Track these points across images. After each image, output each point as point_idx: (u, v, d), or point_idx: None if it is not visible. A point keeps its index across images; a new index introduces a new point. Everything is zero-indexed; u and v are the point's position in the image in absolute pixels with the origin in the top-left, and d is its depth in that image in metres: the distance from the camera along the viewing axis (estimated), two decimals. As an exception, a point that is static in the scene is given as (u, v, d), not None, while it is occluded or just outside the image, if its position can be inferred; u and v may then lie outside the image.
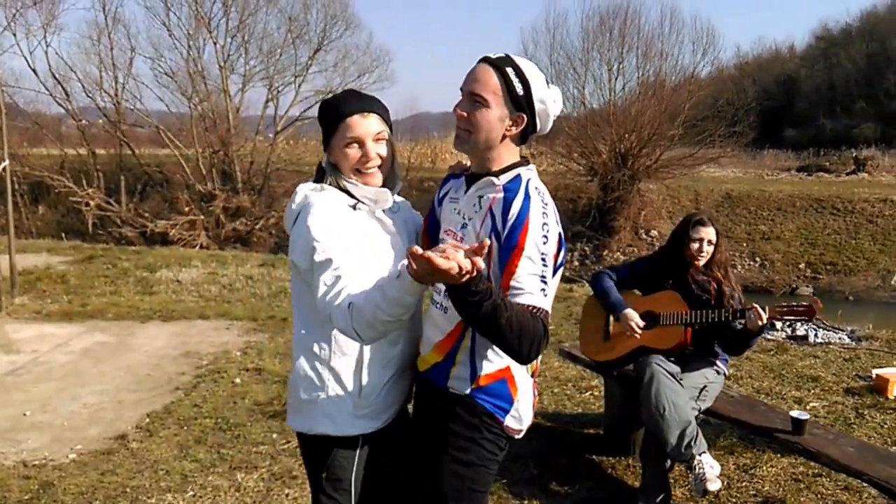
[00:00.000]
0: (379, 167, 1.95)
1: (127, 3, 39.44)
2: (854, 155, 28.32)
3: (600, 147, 21.24)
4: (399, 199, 2.10)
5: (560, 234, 1.78)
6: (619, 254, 19.46)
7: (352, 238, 1.84)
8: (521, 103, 1.77)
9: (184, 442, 4.21)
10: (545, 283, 1.71)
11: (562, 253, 1.80)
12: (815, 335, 6.46)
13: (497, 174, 1.82)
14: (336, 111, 1.93)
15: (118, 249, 12.15)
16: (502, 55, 1.79)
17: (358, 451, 1.95)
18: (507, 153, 1.84)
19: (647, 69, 22.10)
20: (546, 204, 1.77)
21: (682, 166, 21.20)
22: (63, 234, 18.29)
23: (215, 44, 23.35)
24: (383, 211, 1.97)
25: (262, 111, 24.47)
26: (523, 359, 1.70)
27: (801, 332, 6.46)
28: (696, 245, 3.42)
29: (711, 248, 3.45)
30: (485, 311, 1.58)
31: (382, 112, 1.96)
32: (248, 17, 23.85)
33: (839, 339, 6.42)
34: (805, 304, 3.31)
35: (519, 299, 1.66)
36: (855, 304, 15.68)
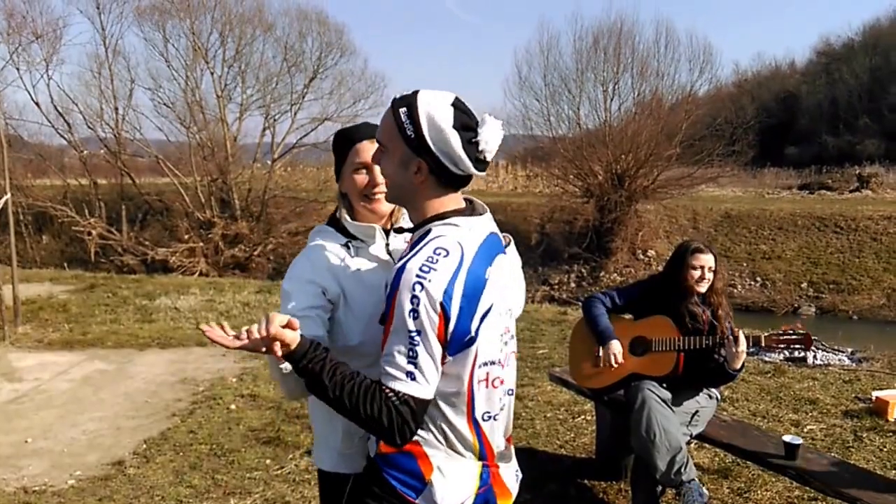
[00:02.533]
0: (386, 195, 1.84)
1: (127, 35, 40.20)
2: (857, 172, 28.17)
3: (596, 168, 21.24)
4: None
5: (445, 305, 1.48)
6: (615, 275, 19.42)
7: (329, 285, 1.80)
8: (415, 146, 1.57)
9: (179, 468, 4.25)
10: (414, 363, 1.49)
11: (451, 325, 1.50)
12: (815, 357, 6.42)
13: (413, 230, 1.66)
14: (347, 138, 1.91)
15: (118, 278, 12.25)
16: (412, 92, 1.62)
17: (347, 492, 1.88)
18: (428, 204, 1.63)
19: (642, 89, 22.11)
20: (429, 270, 1.49)
21: (680, 186, 21.13)
22: (66, 263, 18.40)
23: (212, 74, 23.67)
24: (387, 248, 1.90)
25: (259, 139, 24.68)
26: (381, 439, 1.59)
27: (799, 353, 6.43)
28: (696, 273, 3.40)
29: (712, 276, 3.44)
30: (309, 384, 1.55)
31: None
32: (245, 47, 24.14)
33: (839, 360, 6.39)
34: (802, 331, 3.31)
35: (383, 380, 1.52)
36: (859, 324, 15.59)
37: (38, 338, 7.60)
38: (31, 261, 20.06)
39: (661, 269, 3.71)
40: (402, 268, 1.51)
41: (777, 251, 19.28)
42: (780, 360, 6.28)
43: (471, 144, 1.57)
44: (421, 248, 1.54)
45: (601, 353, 3.51)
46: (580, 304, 3.88)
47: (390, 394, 1.50)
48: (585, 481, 3.94)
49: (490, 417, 1.66)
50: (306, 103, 24.81)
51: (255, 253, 21.89)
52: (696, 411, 3.41)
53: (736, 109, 26.41)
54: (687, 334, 3.36)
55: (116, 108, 23.63)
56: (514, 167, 31.08)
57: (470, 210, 1.66)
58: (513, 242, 1.87)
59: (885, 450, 4.28)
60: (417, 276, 1.48)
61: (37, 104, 22.93)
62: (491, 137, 1.59)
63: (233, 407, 5.30)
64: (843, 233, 19.32)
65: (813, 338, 3.31)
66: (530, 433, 4.66)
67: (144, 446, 4.61)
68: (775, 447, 3.28)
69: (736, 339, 3.23)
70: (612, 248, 20.18)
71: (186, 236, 21.63)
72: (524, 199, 23.59)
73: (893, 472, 3.98)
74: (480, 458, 1.68)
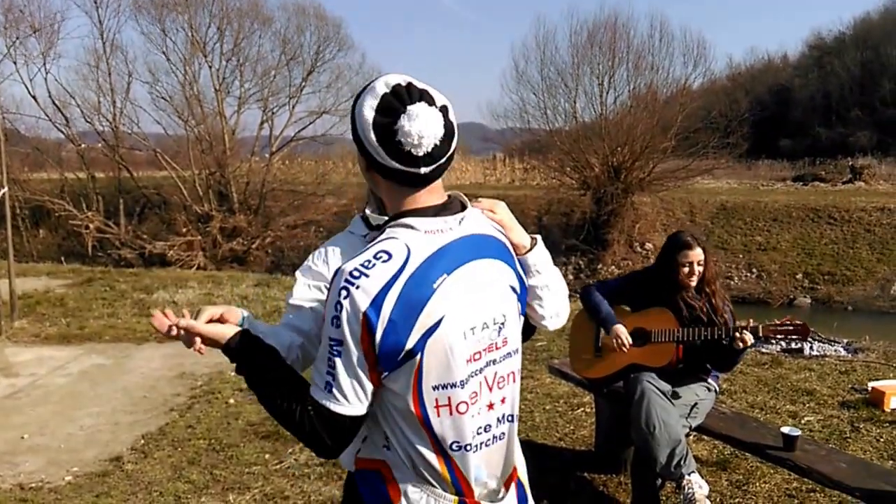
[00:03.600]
0: None
1: (125, 29, 39.96)
2: (850, 164, 28.45)
3: (593, 161, 21.38)
4: None
5: (370, 316, 1.31)
6: (613, 267, 19.52)
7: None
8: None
9: (177, 463, 4.24)
10: (332, 375, 1.35)
11: (378, 338, 1.31)
12: (811, 348, 6.44)
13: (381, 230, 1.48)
14: None
15: (116, 272, 12.22)
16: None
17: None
18: (388, 202, 1.47)
19: (638, 82, 22.32)
20: (359, 276, 1.33)
21: (675, 178, 21.28)
22: (63, 257, 18.38)
23: (210, 67, 23.72)
24: None
25: (258, 132, 24.73)
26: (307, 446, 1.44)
27: (795, 345, 6.45)
28: (685, 269, 3.42)
29: (701, 269, 3.47)
30: (246, 380, 1.48)
31: None
32: (243, 41, 24.25)
33: (835, 351, 6.40)
34: (799, 322, 3.33)
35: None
36: (853, 314, 15.68)
37: (34, 332, 7.56)
38: (27, 255, 20.00)
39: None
40: (339, 269, 1.36)
41: (772, 243, 19.37)
42: (777, 352, 6.29)
43: (387, 133, 1.33)
44: (365, 250, 1.38)
45: (603, 338, 3.53)
46: (578, 295, 3.89)
47: (309, 400, 1.38)
48: (585, 474, 3.95)
49: (462, 448, 1.42)
50: (304, 97, 24.94)
51: (254, 246, 21.94)
52: (695, 403, 3.42)
53: (730, 102, 26.55)
54: (686, 325, 3.37)
55: (114, 102, 23.72)
56: (511, 160, 31.18)
57: (437, 210, 1.42)
58: (540, 242, 1.64)
59: (881, 440, 4.30)
60: (346, 280, 1.33)
61: (34, 98, 22.95)
62: (415, 129, 1.32)
63: (231, 401, 5.28)
64: (836, 224, 19.42)
65: (811, 329, 3.32)
66: (529, 426, 4.67)
67: (142, 442, 4.60)
68: (774, 439, 3.28)
69: (743, 332, 3.24)
70: (610, 241, 20.27)
71: (184, 230, 21.65)
72: (521, 192, 23.63)
73: (890, 462, 4.00)
74: (456, 493, 1.46)
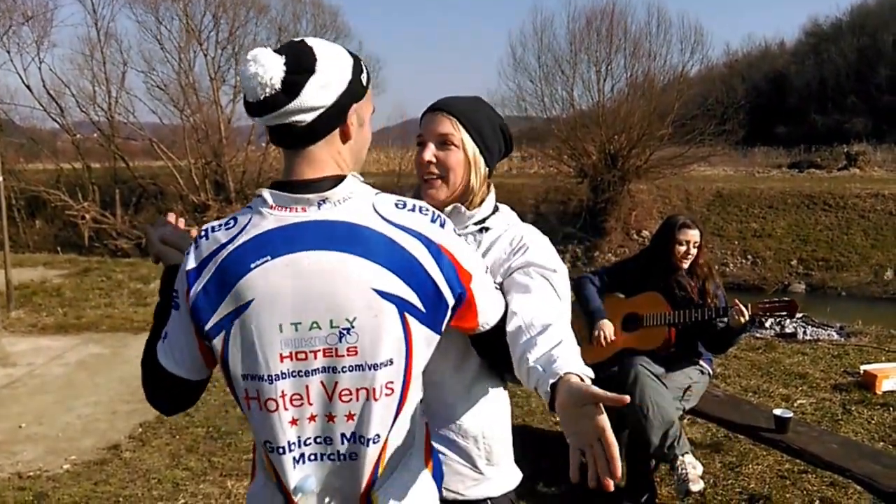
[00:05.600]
0: (443, 179, 1.54)
1: (119, 18, 39.80)
2: (846, 150, 28.46)
3: (590, 149, 21.41)
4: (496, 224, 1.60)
5: (190, 276, 1.27)
6: (610, 255, 19.56)
7: None
8: None
9: (175, 451, 4.26)
10: (170, 326, 1.36)
11: (190, 300, 1.26)
12: (804, 332, 6.48)
13: None
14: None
15: (113, 262, 12.21)
16: None
17: None
18: None
19: (635, 69, 22.35)
20: (203, 236, 1.32)
21: (672, 166, 21.31)
22: (60, 248, 18.37)
23: (206, 56, 23.71)
24: None
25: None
26: None
27: (789, 329, 6.49)
28: (682, 248, 3.46)
29: (696, 251, 3.50)
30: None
31: (462, 115, 1.55)
32: (238, 29, 24.26)
33: (828, 335, 6.45)
34: (787, 299, 3.38)
35: None
36: (847, 300, 15.75)
37: (31, 322, 7.57)
38: (24, 245, 20.01)
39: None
40: None
41: (767, 229, 19.42)
42: (771, 336, 6.34)
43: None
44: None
45: (595, 332, 3.57)
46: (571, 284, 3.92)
47: (154, 342, 1.37)
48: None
49: (275, 450, 1.27)
50: (301, 86, 24.83)
51: (250, 236, 21.96)
52: (689, 386, 3.46)
53: (727, 89, 26.59)
54: (677, 308, 3.40)
55: (109, 91, 23.71)
56: (507, 148, 31.15)
57: (296, 185, 1.30)
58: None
59: (873, 422, 4.35)
60: (196, 237, 1.31)
61: (28, 88, 22.88)
62: (246, 74, 1.23)
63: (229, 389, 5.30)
64: (831, 210, 19.47)
65: (798, 305, 3.36)
66: (525, 411, 4.70)
67: (140, 430, 4.61)
68: (766, 421, 3.32)
69: (731, 310, 3.27)
70: (607, 228, 20.31)
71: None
72: (519, 181, 23.61)
73: (881, 443, 4.04)
74: (284, 497, 1.32)
